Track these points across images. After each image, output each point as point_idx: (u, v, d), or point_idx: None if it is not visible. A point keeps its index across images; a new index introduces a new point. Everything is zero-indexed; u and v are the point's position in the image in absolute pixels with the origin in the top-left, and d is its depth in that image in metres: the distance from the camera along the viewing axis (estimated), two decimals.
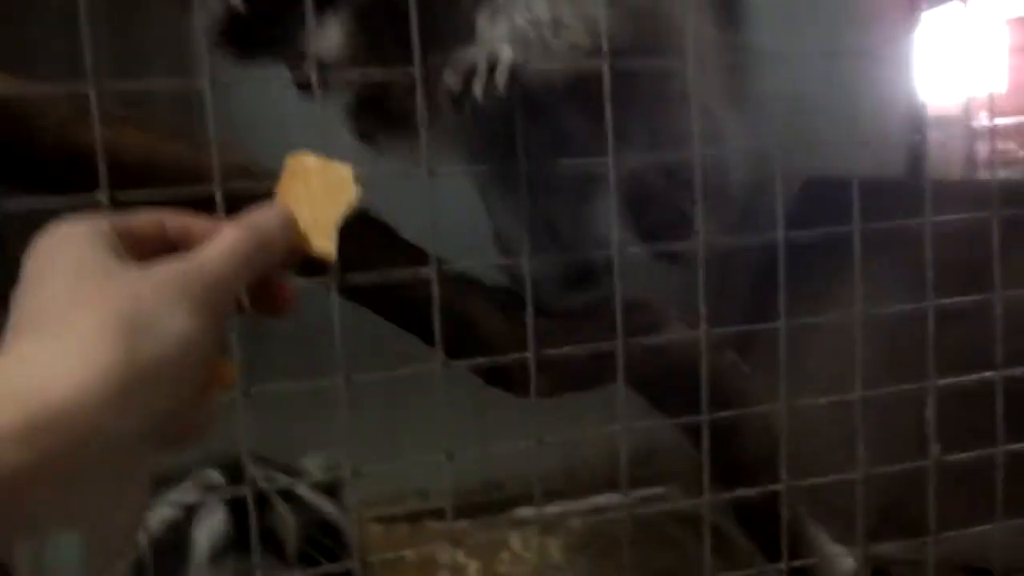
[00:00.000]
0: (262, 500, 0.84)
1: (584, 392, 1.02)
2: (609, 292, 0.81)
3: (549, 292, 0.98)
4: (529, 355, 0.77)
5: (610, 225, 0.78)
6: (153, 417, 0.42)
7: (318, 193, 0.57)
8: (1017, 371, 0.87)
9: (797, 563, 0.95)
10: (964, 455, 0.87)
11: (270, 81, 0.72)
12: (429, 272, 0.73)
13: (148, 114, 0.78)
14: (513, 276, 1.06)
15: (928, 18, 2.33)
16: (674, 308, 1.09)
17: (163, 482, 0.95)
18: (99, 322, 0.41)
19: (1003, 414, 0.88)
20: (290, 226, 0.54)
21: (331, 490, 1.00)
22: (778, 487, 0.87)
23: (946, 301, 0.84)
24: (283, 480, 0.94)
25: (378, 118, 0.85)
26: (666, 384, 1.04)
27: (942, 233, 0.85)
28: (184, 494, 0.90)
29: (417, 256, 0.83)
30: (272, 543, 0.85)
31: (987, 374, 0.87)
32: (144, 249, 0.47)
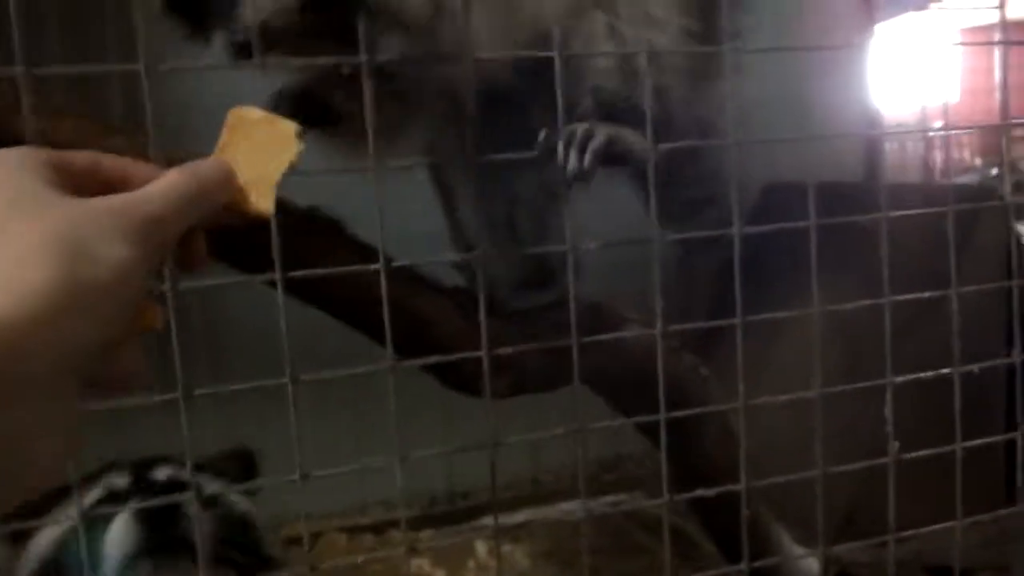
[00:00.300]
0: (172, 504, 0.82)
1: (542, 393, 1.00)
2: (566, 293, 0.80)
3: (506, 292, 0.97)
4: (483, 354, 0.76)
5: (567, 223, 0.77)
6: (83, 344, 0.41)
7: (259, 148, 0.56)
8: (973, 367, 0.88)
9: (759, 564, 0.94)
10: (923, 452, 0.87)
11: (213, 69, 0.69)
12: (378, 268, 0.72)
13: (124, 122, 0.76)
14: (470, 278, 1.05)
15: (884, 28, 2.38)
16: (633, 311, 1.08)
17: (70, 490, 0.94)
18: (36, 243, 0.41)
19: (960, 412, 0.88)
20: (229, 178, 0.54)
21: (241, 481, 1.00)
22: (738, 487, 0.86)
23: (903, 297, 0.84)
24: (194, 479, 0.93)
25: (316, 106, 0.84)
26: (626, 386, 1.03)
27: (899, 241, 0.85)
28: (92, 499, 0.88)
29: (368, 254, 0.82)
30: (184, 546, 0.83)
31: (945, 371, 0.87)
32: (81, 186, 0.47)
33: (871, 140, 2.42)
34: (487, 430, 0.79)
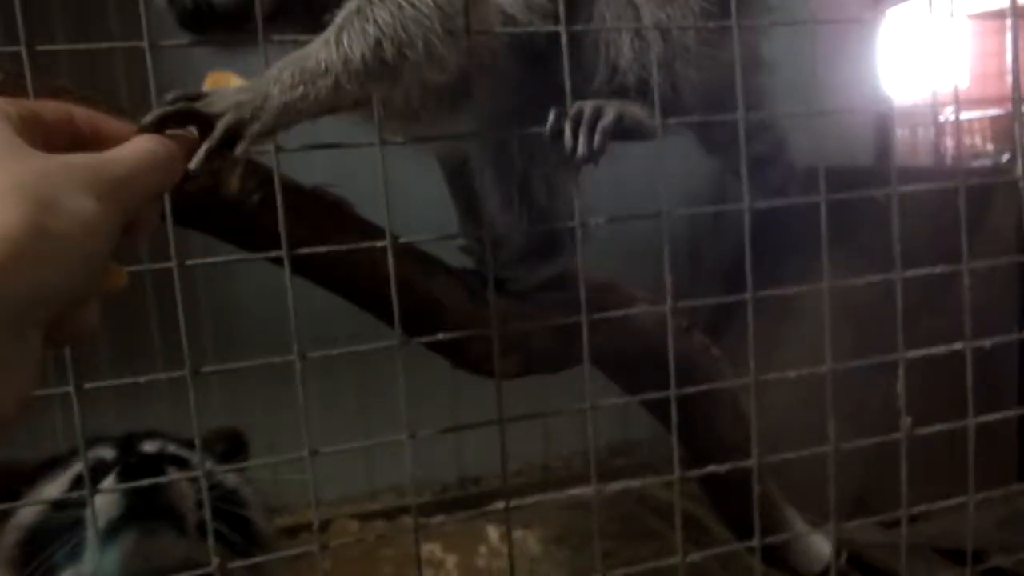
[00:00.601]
0: (158, 472, 0.82)
1: (551, 374, 1.00)
2: (573, 266, 0.79)
3: (515, 270, 0.97)
4: (492, 333, 0.75)
5: (575, 198, 0.76)
6: (47, 294, 0.42)
7: None
8: (984, 342, 0.87)
9: (770, 540, 0.94)
10: (935, 427, 0.86)
11: (215, 46, 0.69)
12: (384, 247, 0.71)
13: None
14: (479, 261, 1.04)
15: (893, 14, 2.35)
16: (641, 291, 1.08)
17: (57, 461, 0.94)
18: (4, 190, 0.41)
19: (972, 392, 0.87)
20: (197, 146, 0.55)
21: (230, 459, 0.99)
22: (749, 463, 0.86)
23: (915, 272, 0.84)
24: (180, 452, 0.93)
25: None
26: (636, 366, 1.03)
27: (911, 227, 0.84)
28: (77, 471, 0.88)
29: (375, 234, 0.81)
30: (171, 515, 0.83)
31: (957, 346, 0.86)
32: (51, 140, 0.48)
33: (881, 126, 2.40)
34: (496, 412, 0.78)
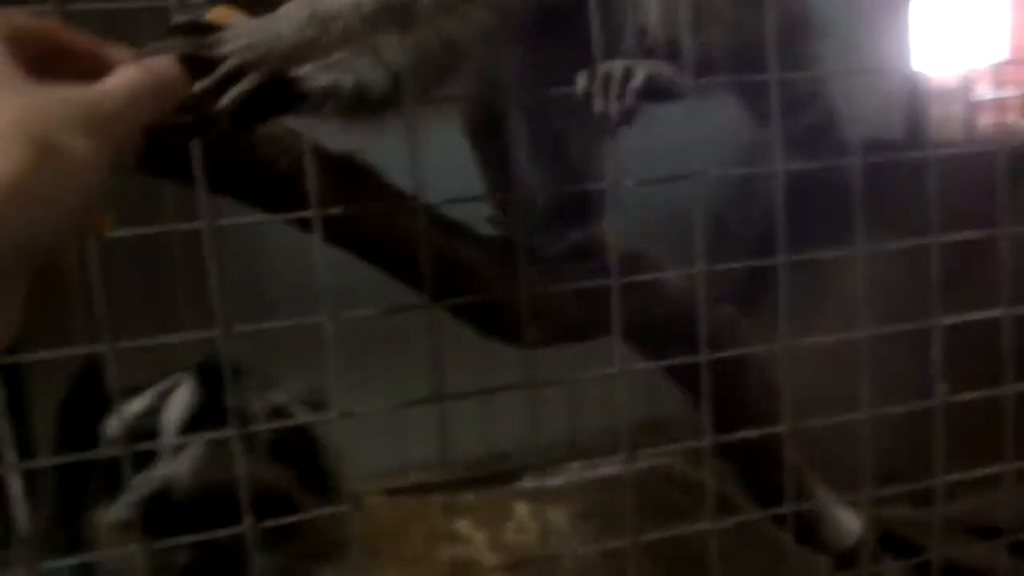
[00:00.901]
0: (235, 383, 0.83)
1: (580, 342, 1.00)
2: (602, 233, 0.79)
3: (543, 236, 0.96)
4: (520, 298, 0.75)
5: (607, 160, 0.76)
6: (39, 234, 0.41)
7: None
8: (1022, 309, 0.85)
9: (801, 508, 0.93)
10: (971, 394, 0.85)
11: None
12: (415, 210, 0.71)
13: None
14: (507, 226, 1.04)
15: None
16: (669, 262, 1.07)
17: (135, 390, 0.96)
18: (1, 128, 0.40)
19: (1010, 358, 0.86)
20: (186, 78, 0.53)
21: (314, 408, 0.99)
22: (780, 429, 0.85)
23: (950, 237, 0.82)
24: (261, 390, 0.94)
25: None
26: (664, 336, 1.02)
27: (946, 203, 0.82)
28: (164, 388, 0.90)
29: (404, 200, 0.81)
30: (243, 426, 0.84)
31: (994, 312, 0.85)
32: (39, 60, 0.46)
33: (913, 101, 2.35)
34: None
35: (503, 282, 0.88)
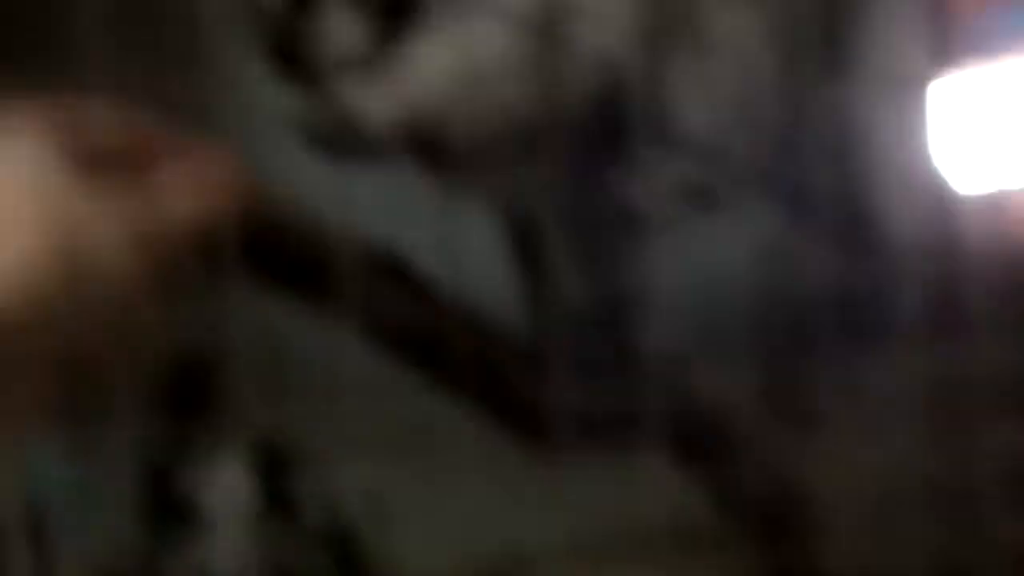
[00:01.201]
0: None
1: (611, 448, 0.98)
2: (637, 339, 0.78)
3: (578, 339, 0.95)
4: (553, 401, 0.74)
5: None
6: (68, 349, 0.39)
7: None
8: None
9: None
10: None
11: None
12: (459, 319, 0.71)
13: None
14: (539, 328, 1.03)
15: (965, 76, 2.27)
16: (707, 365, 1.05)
17: None
18: (40, 244, 0.38)
19: None
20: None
21: None
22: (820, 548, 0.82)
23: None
24: None
25: None
26: (695, 441, 1.00)
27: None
28: None
29: (442, 302, 0.81)
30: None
31: None
32: (98, 161, 0.43)
33: (943, 205, 2.35)
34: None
35: (536, 383, 0.87)
